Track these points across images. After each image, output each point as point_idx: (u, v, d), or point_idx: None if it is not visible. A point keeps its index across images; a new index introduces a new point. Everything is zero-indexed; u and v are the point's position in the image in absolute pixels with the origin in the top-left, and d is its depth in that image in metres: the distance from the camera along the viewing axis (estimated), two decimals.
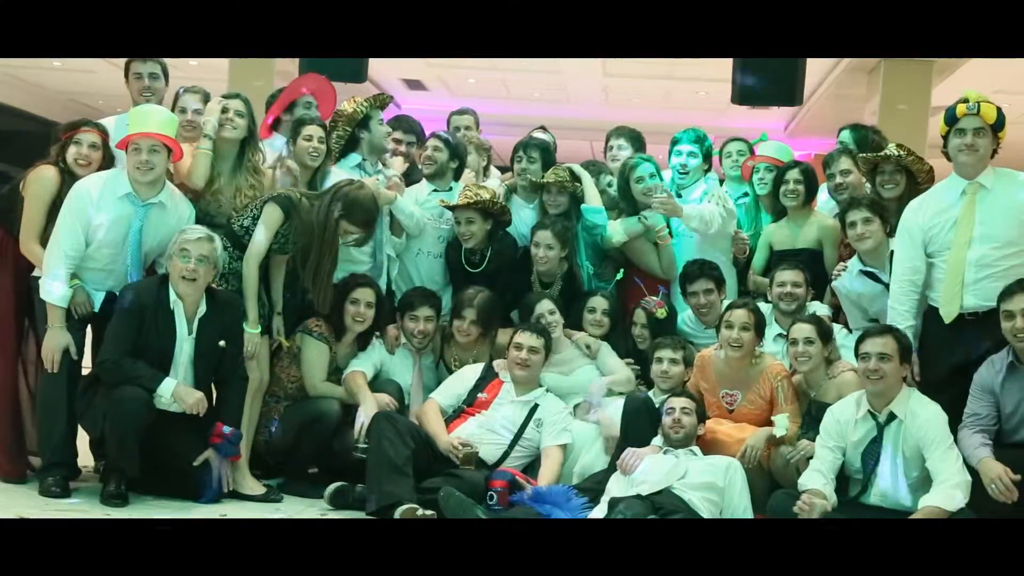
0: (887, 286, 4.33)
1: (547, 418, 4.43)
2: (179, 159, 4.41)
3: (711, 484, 3.99)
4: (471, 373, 4.59)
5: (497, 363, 4.58)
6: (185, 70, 10.15)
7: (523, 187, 5.18)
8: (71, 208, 4.13)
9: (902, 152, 4.64)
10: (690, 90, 11.63)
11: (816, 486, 3.81)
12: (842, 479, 3.98)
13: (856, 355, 3.96)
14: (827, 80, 10.68)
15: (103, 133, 4.44)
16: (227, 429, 4.10)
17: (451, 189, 5.10)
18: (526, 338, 4.44)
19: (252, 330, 4.33)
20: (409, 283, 5.04)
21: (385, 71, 12.01)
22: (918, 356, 4.12)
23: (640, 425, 4.28)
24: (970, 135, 4.04)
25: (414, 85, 12.70)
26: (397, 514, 3.85)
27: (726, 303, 4.67)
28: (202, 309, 4.16)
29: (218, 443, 4.10)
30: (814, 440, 4.03)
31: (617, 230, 5.00)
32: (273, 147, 4.97)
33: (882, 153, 4.72)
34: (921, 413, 3.83)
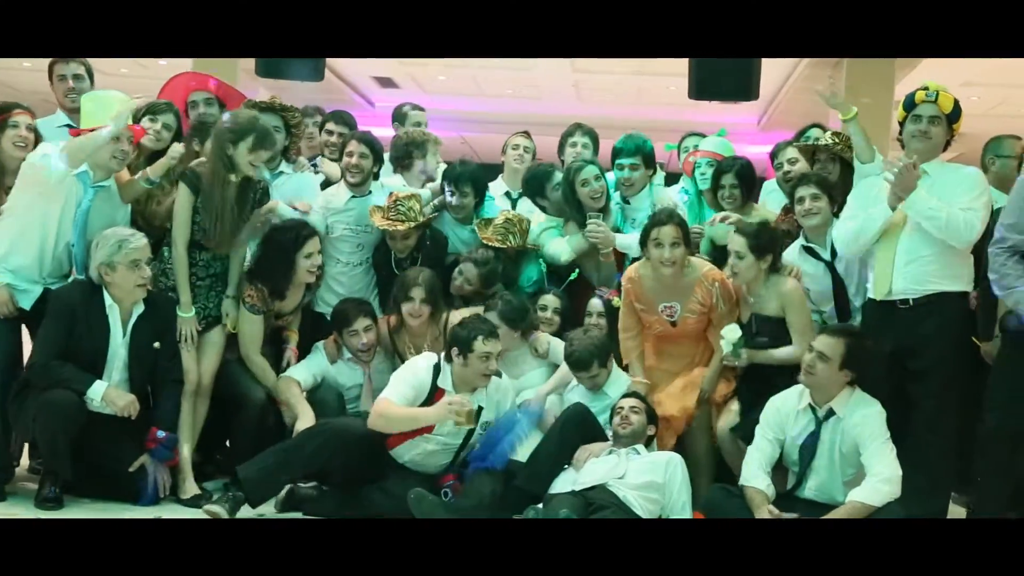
0: (828, 264, 4.39)
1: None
2: (140, 139, 4.38)
3: (650, 483, 3.98)
4: (422, 363, 4.26)
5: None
6: (154, 69, 10.10)
7: (456, 217, 5.03)
8: (34, 165, 4.10)
9: (836, 140, 4.74)
10: (660, 85, 11.61)
11: (759, 486, 3.86)
12: (779, 470, 4.00)
13: None
14: (792, 75, 10.69)
15: (35, 116, 4.43)
16: (161, 434, 4.09)
17: (370, 193, 4.90)
18: (494, 345, 4.17)
19: (184, 314, 4.25)
20: (334, 296, 4.80)
21: (356, 68, 12.00)
22: None
23: (572, 434, 4.21)
24: (925, 122, 4.09)
25: (385, 83, 12.68)
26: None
27: None
28: (138, 310, 4.13)
29: (152, 448, 4.09)
30: (754, 349, 4.21)
31: (564, 249, 4.89)
32: None
33: (821, 143, 4.82)
34: (860, 410, 3.86)
